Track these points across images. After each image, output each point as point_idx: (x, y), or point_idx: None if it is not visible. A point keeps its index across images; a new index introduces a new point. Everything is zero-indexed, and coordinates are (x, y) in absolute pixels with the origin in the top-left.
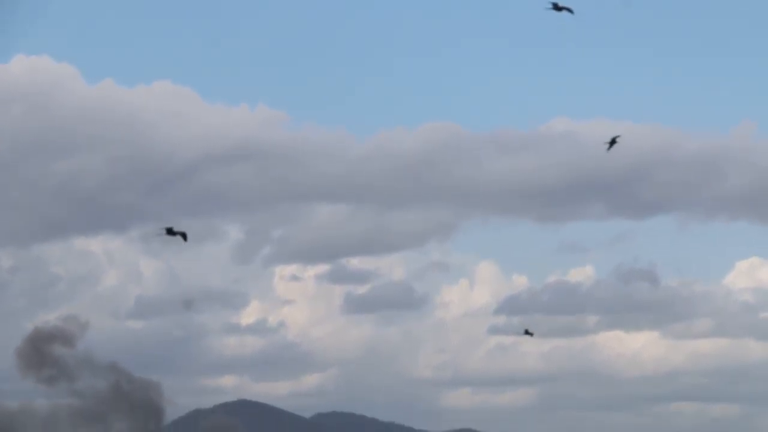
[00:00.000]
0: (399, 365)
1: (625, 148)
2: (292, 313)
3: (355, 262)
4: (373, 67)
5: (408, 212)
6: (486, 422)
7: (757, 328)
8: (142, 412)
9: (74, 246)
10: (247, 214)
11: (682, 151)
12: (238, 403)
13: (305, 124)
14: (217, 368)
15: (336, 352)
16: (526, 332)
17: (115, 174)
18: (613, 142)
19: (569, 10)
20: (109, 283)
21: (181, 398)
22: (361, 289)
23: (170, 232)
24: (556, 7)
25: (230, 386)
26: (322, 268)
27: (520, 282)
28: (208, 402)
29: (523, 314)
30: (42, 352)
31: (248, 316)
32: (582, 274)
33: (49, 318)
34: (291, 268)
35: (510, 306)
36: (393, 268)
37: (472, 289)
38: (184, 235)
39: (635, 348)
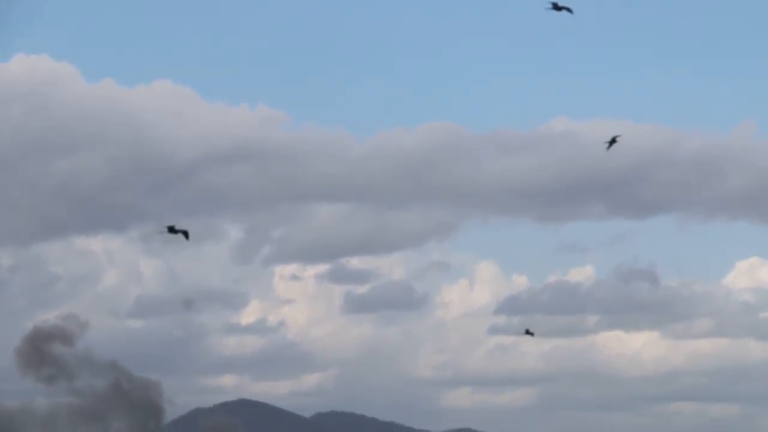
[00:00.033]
0: (399, 365)
1: (625, 148)
2: (292, 312)
3: (355, 262)
4: (373, 67)
5: (408, 212)
6: (486, 422)
7: (757, 328)
8: (141, 411)
9: (74, 245)
10: (247, 213)
11: (682, 151)
12: (238, 403)
13: (305, 123)
14: (217, 368)
15: (336, 351)
16: (527, 332)
17: (115, 173)
18: (613, 141)
19: (569, 10)
20: (109, 282)
21: (181, 397)
22: (361, 289)
23: (172, 230)
24: (556, 7)
25: (230, 386)
26: (322, 267)
27: (520, 282)
28: (208, 401)
29: (523, 314)
30: (42, 351)
31: (248, 315)
32: (582, 274)
33: (49, 317)
34: (291, 268)
35: (510, 306)
36: (393, 267)
37: (472, 289)
38: (185, 234)
39: (635, 348)
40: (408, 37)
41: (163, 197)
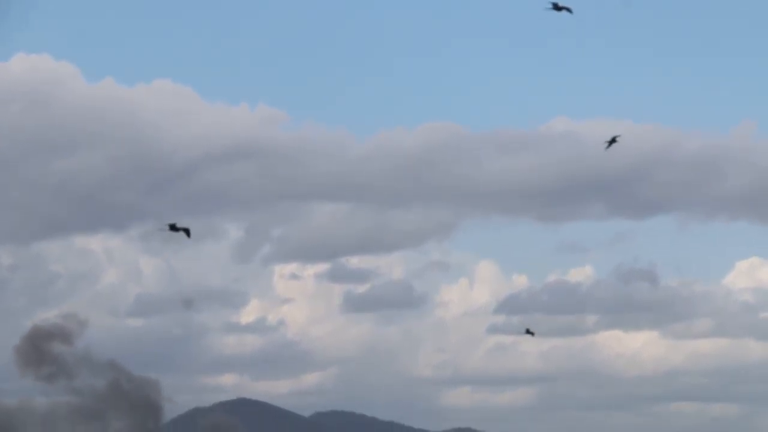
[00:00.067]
0: (398, 364)
1: (625, 147)
2: (292, 311)
3: (355, 261)
4: (373, 67)
5: (408, 211)
6: (485, 421)
7: (756, 328)
8: (140, 410)
9: (74, 244)
10: (247, 212)
11: (682, 151)
12: (238, 402)
13: (305, 123)
14: (216, 367)
15: (335, 351)
16: (528, 332)
17: (115, 173)
18: (612, 141)
19: (568, 10)
20: (108, 281)
21: (180, 396)
22: (361, 288)
23: (173, 228)
24: (556, 7)
25: (230, 385)
26: (322, 267)
27: (520, 281)
28: (207, 400)
29: (522, 314)
30: (41, 350)
31: (248, 314)
32: (582, 273)
33: (49, 316)
34: (291, 267)
35: (509, 305)
36: (393, 267)
37: (471, 288)
38: (187, 231)
39: (635, 348)
40: (408, 37)
41: (163, 196)
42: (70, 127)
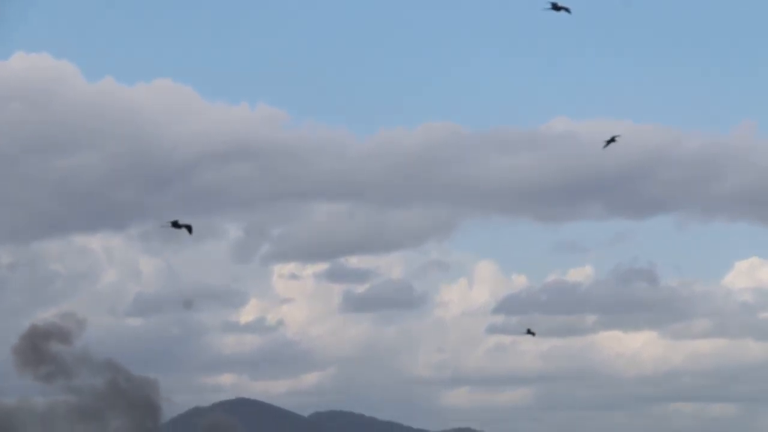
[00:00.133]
0: (398, 364)
1: (625, 147)
2: (291, 311)
3: (354, 261)
4: (373, 67)
5: (407, 211)
6: (485, 421)
7: (756, 328)
8: (139, 409)
9: (73, 243)
10: (246, 212)
11: (682, 151)
12: (237, 402)
13: (305, 122)
14: (215, 366)
15: (335, 350)
16: (529, 332)
17: (114, 172)
18: (611, 140)
19: (567, 10)
20: (108, 280)
21: (179, 396)
22: (360, 288)
23: (176, 225)
24: (555, 7)
25: (229, 384)
26: (321, 266)
27: (519, 281)
28: (206, 400)
29: (522, 314)
30: (39, 349)
31: (247, 314)
32: (581, 273)
33: (48, 315)
34: (290, 267)
35: (509, 305)
36: (392, 266)
37: (471, 288)
38: (189, 228)
39: (634, 348)
40: (408, 37)
41: (162, 196)
42: (70, 126)
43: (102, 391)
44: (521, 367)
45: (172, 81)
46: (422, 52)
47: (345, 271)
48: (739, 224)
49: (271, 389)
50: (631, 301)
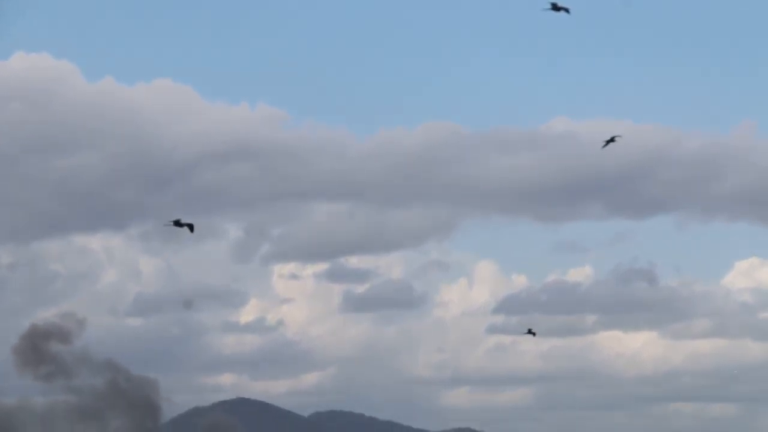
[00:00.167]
0: (398, 364)
1: (625, 147)
2: (291, 311)
3: (354, 261)
4: (373, 67)
5: (407, 211)
6: (484, 421)
7: (755, 328)
8: (139, 409)
9: (74, 243)
10: (246, 212)
11: (682, 151)
12: (237, 402)
13: (305, 122)
14: (215, 366)
15: (335, 350)
16: (529, 332)
17: (114, 172)
18: (611, 140)
19: (566, 11)
20: (108, 280)
21: (179, 396)
22: (360, 288)
23: (178, 223)
24: (555, 8)
25: (229, 384)
26: (321, 266)
27: (519, 281)
28: (206, 400)
29: (521, 314)
30: (39, 349)
31: (247, 314)
32: (581, 273)
33: (48, 315)
34: (290, 267)
35: (509, 305)
36: (392, 266)
37: (471, 288)
38: (191, 227)
39: (634, 348)
40: (408, 37)
41: (162, 196)
42: (70, 126)
43: (102, 391)
44: (521, 367)
45: (172, 81)
46: (422, 52)
47: (345, 271)
48: (739, 224)
49: (271, 389)
50: (631, 301)
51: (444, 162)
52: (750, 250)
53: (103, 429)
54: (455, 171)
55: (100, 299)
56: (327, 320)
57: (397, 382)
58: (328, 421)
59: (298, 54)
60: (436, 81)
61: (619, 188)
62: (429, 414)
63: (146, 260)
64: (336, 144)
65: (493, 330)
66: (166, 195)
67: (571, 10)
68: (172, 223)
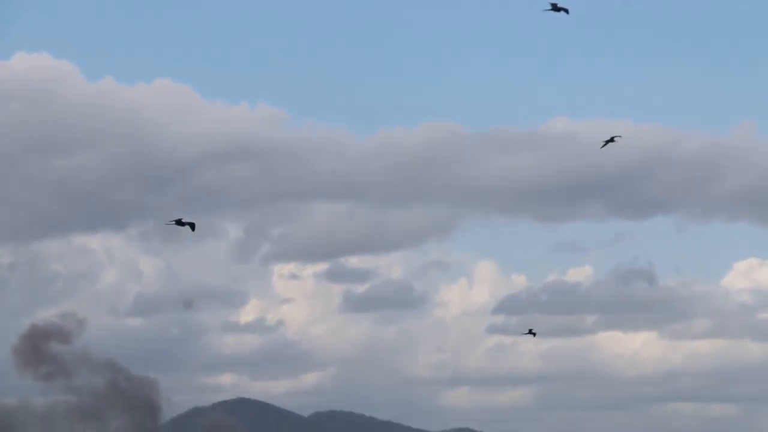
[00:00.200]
0: (398, 364)
1: (625, 147)
2: (291, 311)
3: (354, 261)
4: (373, 67)
5: (407, 211)
6: (484, 421)
7: (755, 328)
8: (139, 409)
9: (74, 243)
10: (246, 212)
11: (682, 151)
12: (237, 402)
13: (305, 122)
14: (215, 366)
15: (335, 350)
16: (530, 332)
17: (114, 172)
18: (610, 140)
19: (566, 11)
20: (108, 280)
21: (180, 396)
22: (360, 288)
23: (179, 222)
24: (555, 8)
25: (229, 384)
26: (321, 266)
27: (519, 281)
28: (206, 400)
29: (521, 314)
30: (39, 349)
31: (247, 314)
32: (581, 273)
33: (48, 315)
34: (290, 267)
35: (509, 305)
36: (392, 266)
37: (471, 288)
38: (192, 226)
39: (634, 348)
40: (408, 37)
41: (162, 195)
42: (70, 126)
43: (102, 391)
44: (521, 367)
45: (172, 81)
46: (422, 52)
47: (345, 271)
48: (739, 225)
49: (271, 389)
50: (630, 302)
51: (444, 162)
52: (749, 251)
53: (103, 429)
54: (455, 171)
55: (100, 299)
56: (327, 320)
57: (397, 382)
58: (328, 421)
59: (298, 54)
60: (436, 81)
61: (619, 188)
62: (429, 414)
63: (146, 260)
64: (336, 144)
65: (493, 330)
66: (166, 195)
67: (570, 11)
68: (173, 222)
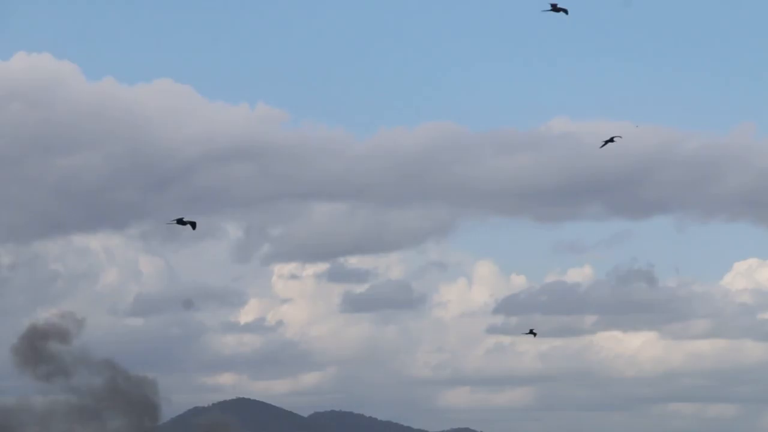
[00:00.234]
0: (397, 364)
1: (624, 148)
2: (291, 311)
3: (354, 261)
4: (373, 67)
5: (407, 211)
6: (484, 422)
7: (754, 329)
8: (138, 409)
9: (74, 243)
10: (246, 212)
11: (682, 152)
12: (237, 402)
13: (305, 122)
14: (215, 366)
15: (334, 350)
16: (531, 332)
17: (115, 171)
18: (609, 140)
19: (565, 12)
20: (108, 280)
21: (179, 396)
22: (360, 288)
23: (180, 222)
24: (554, 8)
25: (228, 384)
26: (321, 266)
27: (519, 281)
28: (206, 400)
29: (521, 314)
30: (38, 349)
31: (247, 314)
32: (580, 274)
33: (47, 315)
34: (290, 267)
35: (508, 305)
36: (391, 267)
37: (470, 288)
38: (193, 225)
39: (633, 348)
40: (408, 37)
41: (162, 195)
42: (70, 126)
43: (101, 390)
44: (521, 367)
45: (172, 81)
46: (422, 52)
47: (345, 271)
48: (738, 225)
49: (271, 389)
50: (630, 302)
51: (444, 162)
52: (749, 251)
53: (103, 429)
54: (455, 171)
55: (100, 299)
56: (327, 320)
57: (397, 382)
58: (328, 421)
59: (298, 54)
60: (436, 81)
61: (618, 189)
62: (429, 414)
63: (146, 260)
64: (336, 144)
65: (492, 330)
66: (166, 195)
67: (570, 11)
68: (175, 222)
